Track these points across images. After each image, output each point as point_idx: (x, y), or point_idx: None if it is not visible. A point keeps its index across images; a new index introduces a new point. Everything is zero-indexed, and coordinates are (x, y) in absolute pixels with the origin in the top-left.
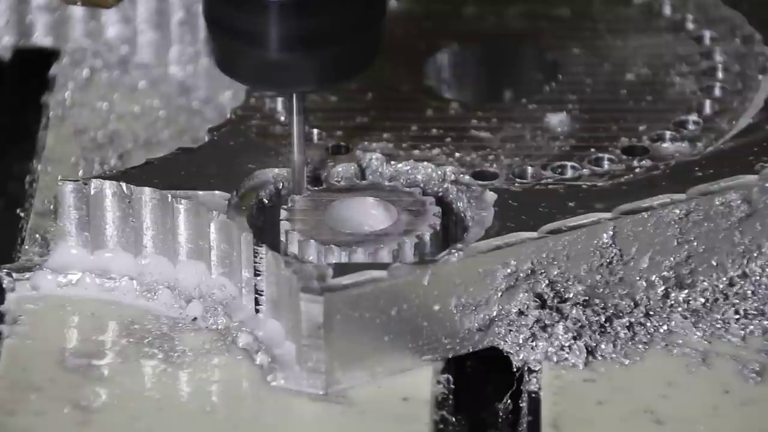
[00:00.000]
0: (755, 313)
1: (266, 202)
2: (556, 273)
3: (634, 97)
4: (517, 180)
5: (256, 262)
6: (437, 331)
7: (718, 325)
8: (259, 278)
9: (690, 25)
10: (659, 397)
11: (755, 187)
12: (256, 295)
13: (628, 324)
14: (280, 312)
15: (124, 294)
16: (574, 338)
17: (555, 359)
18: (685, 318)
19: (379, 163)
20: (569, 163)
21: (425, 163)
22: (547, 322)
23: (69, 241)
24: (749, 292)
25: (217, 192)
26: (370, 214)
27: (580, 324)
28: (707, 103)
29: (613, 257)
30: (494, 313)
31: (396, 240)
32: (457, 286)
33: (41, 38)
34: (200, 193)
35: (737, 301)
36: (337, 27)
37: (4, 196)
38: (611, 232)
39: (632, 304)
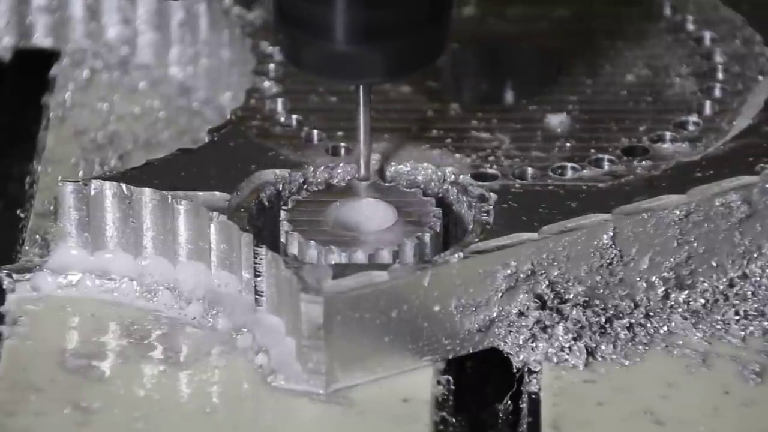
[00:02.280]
0: (755, 314)
1: (266, 203)
2: (556, 274)
3: (634, 97)
4: (518, 181)
5: (256, 263)
6: (437, 331)
7: (718, 326)
8: (259, 279)
9: (690, 26)
10: (659, 398)
11: (755, 188)
12: (256, 296)
13: (628, 325)
14: (280, 313)
15: (124, 295)
16: (575, 339)
17: (555, 360)
18: (685, 319)
19: (379, 164)
20: (569, 164)
21: (425, 164)
22: (547, 323)
23: (69, 242)
24: (749, 293)
25: (217, 193)
26: (370, 214)
27: (580, 325)
28: (707, 103)
29: (613, 258)
30: (494, 314)
31: (396, 241)
32: (457, 286)
33: (41, 39)
34: (200, 193)
35: (737, 302)
36: (404, 18)
37: (4, 196)
38: (611, 233)
39: (632, 305)
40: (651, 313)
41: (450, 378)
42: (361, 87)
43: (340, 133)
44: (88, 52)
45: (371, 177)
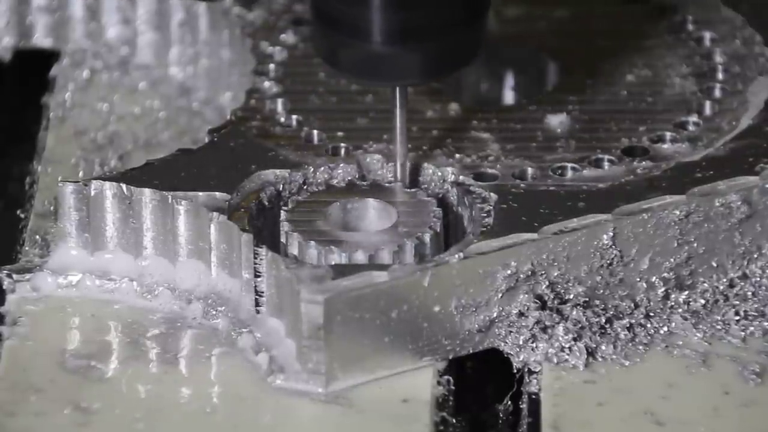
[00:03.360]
0: (755, 314)
1: (266, 203)
2: (556, 274)
3: (634, 97)
4: (518, 181)
5: (256, 263)
6: (437, 332)
7: (719, 327)
8: (259, 279)
9: (690, 27)
10: (659, 399)
11: (755, 188)
12: (256, 296)
13: (628, 325)
14: (280, 313)
15: (124, 295)
16: (575, 339)
17: (555, 360)
18: (686, 319)
19: (380, 164)
20: (569, 164)
21: (426, 164)
22: (547, 323)
23: (69, 242)
24: (749, 293)
25: (217, 193)
26: (370, 215)
27: (580, 325)
28: (707, 104)
29: (613, 258)
30: (494, 315)
31: (396, 241)
32: (457, 287)
33: (41, 39)
34: (200, 194)
35: (737, 302)
36: (441, 20)
37: (4, 197)
38: (611, 234)
39: (632, 305)
40: (651, 314)
41: (450, 378)
42: (397, 88)
43: (340, 134)
44: (88, 52)
45: (406, 181)
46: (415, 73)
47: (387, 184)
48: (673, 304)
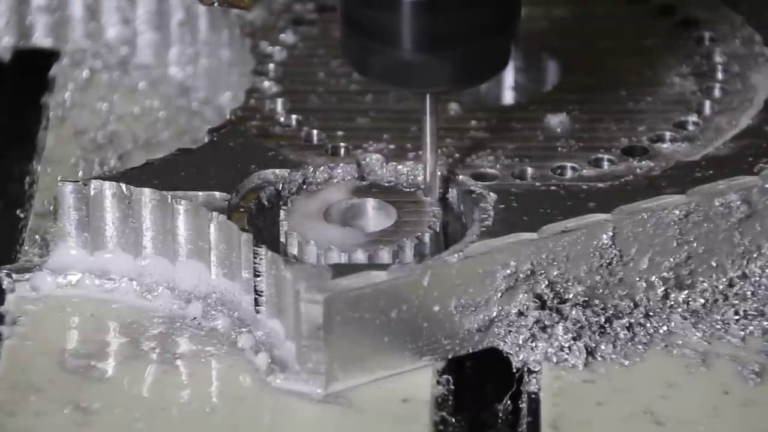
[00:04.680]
0: (755, 313)
1: (266, 203)
2: (555, 274)
3: (634, 97)
4: (517, 181)
5: (255, 263)
6: (437, 331)
7: (718, 326)
8: (258, 279)
9: (690, 26)
10: (659, 398)
11: (755, 187)
12: (256, 296)
13: (627, 325)
14: (280, 313)
15: (123, 295)
16: (574, 339)
17: (555, 360)
18: (685, 319)
19: (379, 164)
20: (569, 164)
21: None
22: (546, 322)
23: (69, 241)
24: (749, 292)
25: (217, 193)
26: (370, 214)
27: (579, 325)
28: (707, 103)
29: (612, 258)
30: (494, 314)
31: (396, 241)
32: (457, 286)
33: (41, 39)
34: (200, 194)
35: (737, 301)
36: (471, 27)
37: (4, 196)
38: (611, 233)
39: (632, 304)
40: (651, 313)
41: (450, 378)
42: (427, 96)
43: (340, 133)
44: (87, 52)
45: (436, 194)
46: (446, 80)
47: (387, 184)
48: (672, 303)
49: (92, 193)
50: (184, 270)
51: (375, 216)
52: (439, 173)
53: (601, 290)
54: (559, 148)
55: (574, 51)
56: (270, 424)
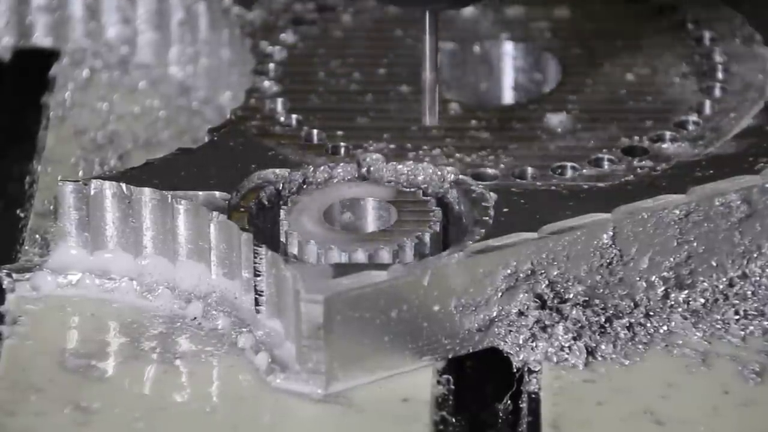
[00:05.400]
0: (755, 313)
1: (266, 203)
2: (556, 273)
3: (634, 97)
4: (517, 181)
5: (256, 263)
6: (437, 331)
7: (718, 326)
8: (259, 279)
9: (690, 26)
10: (659, 398)
11: (755, 187)
12: (256, 296)
13: (628, 324)
14: (280, 312)
15: (124, 294)
16: (574, 339)
17: (555, 360)
18: (685, 318)
19: (380, 163)
20: (569, 164)
21: (425, 164)
22: (547, 322)
23: (69, 241)
24: (749, 292)
25: (217, 193)
26: (370, 214)
27: (580, 324)
28: (707, 103)
29: (613, 258)
30: (494, 314)
31: (396, 240)
32: (456, 286)
33: (41, 39)
34: (200, 193)
35: (737, 301)
36: None
37: (4, 196)
38: (611, 233)
39: (632, 304)
40: (651, 313)
41: (450, 378)
42: (427, 13)
43: (340, 133)
44: (87, 51)
45: (435, 114)
46: None
47: (386, 184)
48: (672, 303)
49: (92, 192)
50: (185, 270)
51: (375, 216)
52: (437, 92)
53: (601, 290)
54: (559, 148)
55: (574, 51)
56: (270, 424)
